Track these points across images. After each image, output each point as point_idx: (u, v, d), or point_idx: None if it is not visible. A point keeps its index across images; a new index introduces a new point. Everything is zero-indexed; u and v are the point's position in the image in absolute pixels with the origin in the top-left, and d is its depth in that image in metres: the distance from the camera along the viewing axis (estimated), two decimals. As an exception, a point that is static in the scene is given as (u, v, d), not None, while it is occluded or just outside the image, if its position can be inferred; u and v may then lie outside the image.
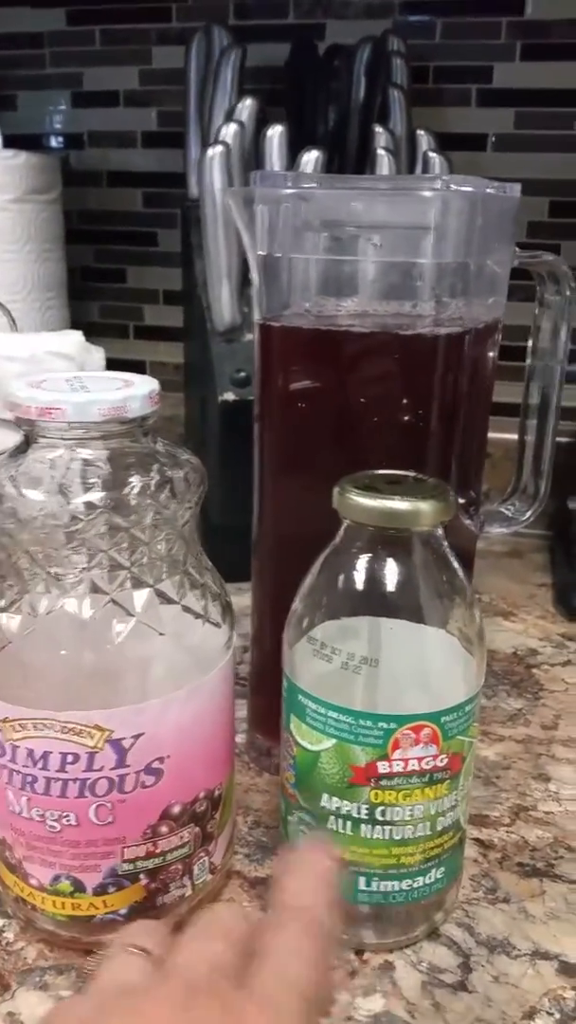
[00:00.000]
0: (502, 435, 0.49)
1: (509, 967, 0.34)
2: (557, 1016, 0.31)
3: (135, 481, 0.30)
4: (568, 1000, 0.32)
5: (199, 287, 0.61)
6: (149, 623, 0.30)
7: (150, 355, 0.85)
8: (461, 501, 0.44)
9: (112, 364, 0.84)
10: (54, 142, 0.82)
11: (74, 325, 0.75)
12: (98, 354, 0.60)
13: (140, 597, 0.30)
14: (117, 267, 0.84)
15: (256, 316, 0.40)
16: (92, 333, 0.84)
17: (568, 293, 0.42)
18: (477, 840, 0.40)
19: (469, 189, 0.35)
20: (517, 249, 0.41)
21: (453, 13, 0.69)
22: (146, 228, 0.82)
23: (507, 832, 0.41)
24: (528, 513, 0.46)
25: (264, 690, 0.45)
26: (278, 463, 0.41)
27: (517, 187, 0.39)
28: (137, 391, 0.30)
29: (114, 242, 0.83)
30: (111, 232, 0.83)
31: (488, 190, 0.37)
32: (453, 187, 0.35)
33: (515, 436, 0.46)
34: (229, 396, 0.58)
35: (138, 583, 0.30)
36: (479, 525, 0.46)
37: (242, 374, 0.57)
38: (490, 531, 0.46)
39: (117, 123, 0.80)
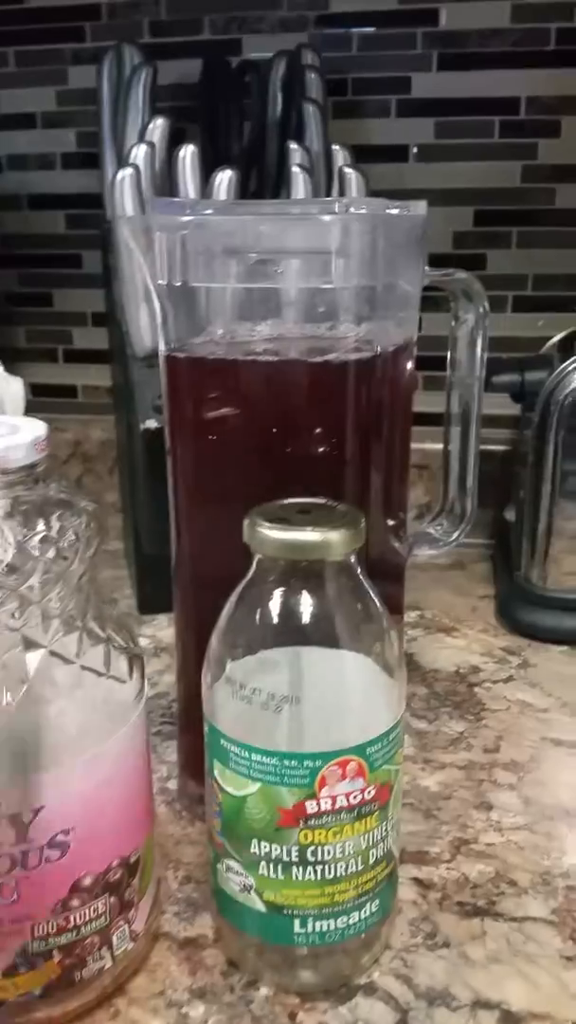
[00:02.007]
0: (439, 446, 0.48)
1: (448, 1020, 0.32)
2: (497, 1070, 0.30)
3: (22, 537, 0.29)
4: (509, 1051, 0.31)
5: (118, 310, 0.59)
6: (44, 687, 0.28)
7: (81, 379, 0.83)
8: (389, 523, 0.43)
9: (42, 390, 0.83)
10: (-29, 167, 0.80)
11: (0, 351, 0.73)
12: (16, 384, 0.58)
13: (33, 659, 0.28)
14: (43, 291, 0.82)
15: (161, 347, 0.39)
16: (19, 359, 0.82)
17: (482, 310, 0.41)
18: (416, 880, 0.39)
19: (366, 211, 0.34)
20: (427, 268, 0.40)
21: (368, 24, 0.68)
22: (70, 250, 0.80)
23: (447, 869, 0.40)
24: (456, 534, 0.45)
25: (192, 728, 0.43)
26: (192, 497, 0.40)
27: (422, 204, 0.38)
28: (21, 438, 0.29)
29: (38, 265, 0.81)
30: (34, 256, 0.81)
31: (390, 211, 0.36)
32: (352, 210, 0.34)
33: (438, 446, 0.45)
34: (152, 423, 0.56)
35: (30, 645, 0.28)
36: (408, 548, 0.44)
37: (164, 401, 0.55)
38: (419, 553, 0.45)
39: (36, 145, 0.78)
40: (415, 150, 0.70)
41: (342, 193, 0.55)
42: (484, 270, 0.71)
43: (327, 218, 0.35)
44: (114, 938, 0.32)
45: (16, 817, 0.28)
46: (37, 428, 0.30)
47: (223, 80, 0.64)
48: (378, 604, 0.32)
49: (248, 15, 0.70)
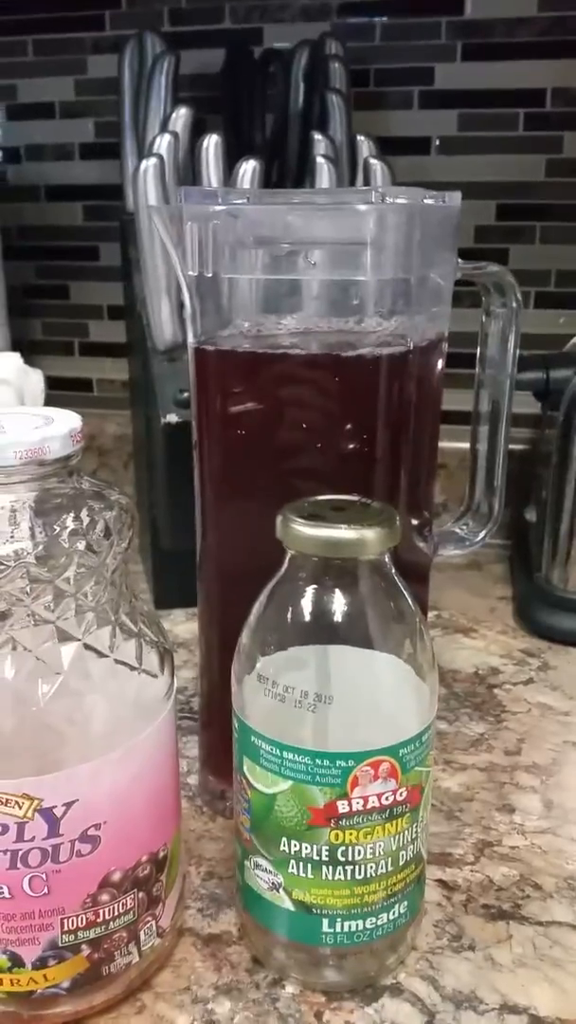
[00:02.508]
0: (457, 444, 0.48)
1: (477, 1023, 0.32)
2: (528, 1076, 0.30)
3: (57, 528, 0.28)
4: (538, 1057, 0.30)
5: (139, 304, 0.58)
6: (78, 680, 0.28)
7: (96, 372, 0.82)
8: (414, 523, 0.42)
9: (58, 383, 0.82)
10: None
11: (15, 344, 0.73)
12: (36, 376, 0.58)
13: (67, 652, 0.28)
14: (59, 283, 0.81)
15: (190, 339, 0.38)
16: (35, 351, 0.82)
17: (514, 304, 0.41)
18: (440, 881, 0.39)
19: (405, 201, 0.34)
20: (460, 261, 0.39)
21: (392, 14, 0.68)
22: (87, 242, 0.79)
23: (471, 871, 0.39)
24: (482, 533, 0.44)
25: (215, 724, 0.43)
26: (219, 491, 0.39)
27: (457, 195, 0.38)
28: (57, 430, 0.28)
29: (55, 257, 0.81)
30: (52, 247, 0.80)
31: (426, 201, 0.35)
32: (389, 200, 0.33)
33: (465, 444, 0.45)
34: (172, 418, 0.56)
35: (65, 637, 0.28)
36: (433, 547, 0.44)
37: (185, 394, 0.55)
38: (444, 553, 0.44)
39: (54, 135, 0.78)
40: (437, 142, 0.69)
41: (367, 185, 0.54)
42: (506, 265, 0.70)
43: (363, 207, 0.34)
44: (142, 934, 0.32)
45: (48, 811, 0.28)
46: (72, 420, 0.29)
47: (246, 70, 0.63)
48: (411, 604, 0.31)
49: (269, 3, 0.69)
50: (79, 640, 0.28)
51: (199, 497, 0.40)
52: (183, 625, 0.60)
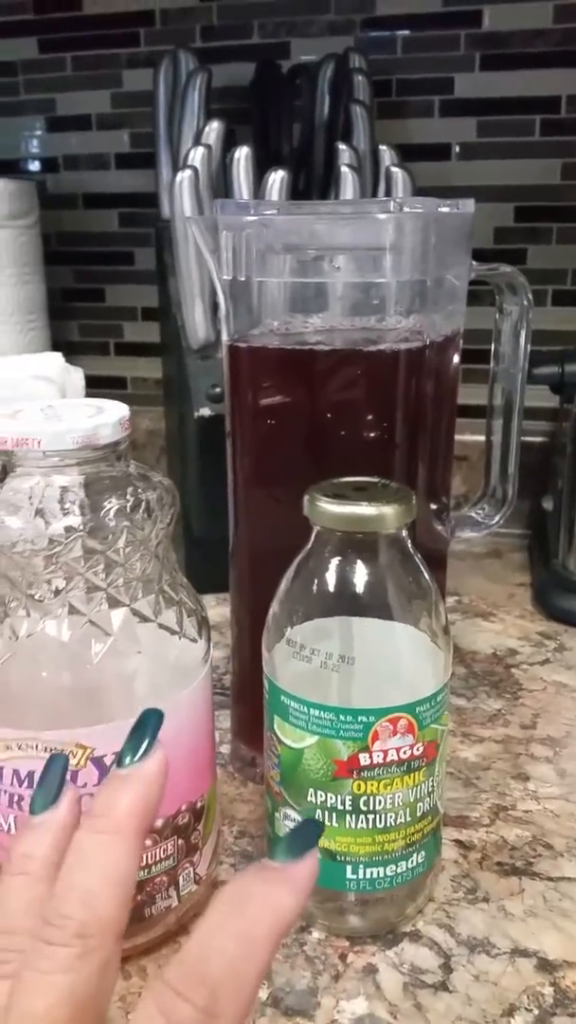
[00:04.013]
0: (478, 437, 0.50)
1: (489, 966, 0.34)
2: (536, 1012, 0.32)
3: (109, 505, 0.31)
4: (546, 996, 0.33)
5: (174, 306, 0.62)
6: (126, 642, 0.31)
7: (130, 371, 0.86)
8: (432, 507, 0.45)
9: (93, 381, 0.86)
10: (30, 167, 0.83)
11: (55, 345, 0.77)
12: (77, 375, 0.61)
13: (117, 617, 0.31)
14: (96, 287, 0.85)
15: (224, 337, 0.41)
16: (73, 352, 0.85)
17: (526, 303, 0.44)
18: (457, 841, 0.41)
19: (421, 210, 0.37)
20: (474, 263, 0.42)
21: (413, 27, 0.71)
22: (122, 248, 0.83)
23: (487, 832, 0.42)
24: (497, 517, 0.47)
25: (246, 700, 0.46)
26: (250, 478, 0.42)
27: (470, 203, 0.40)
28: (108, 418, 0.32)
29: (92, 262, 0.84)
30: (89, 253, 0.84)
31: (441, 209, 0.38)
32: (406, 209, 0.36)
33: (480, 438, 0.48)
34: (205, 412, 0.59)
35: (115, 603, 0.31)
36: (450, 530, 0.47)
37: (217, 390, 0.58)
38: (461, 535, 0.47)
39: (91, 146, 0.81)
40: (457, 149, 0.72)
41: (389, 191, 0.57)
42: (525, 265, 0.73)
43: (382, 216, 0.37)
44: (180, 879, 0.35)
45: (100, 759, 0.31)
46: (121, 409, 0.32)
47: (274, 83, 0.67)
48: (427, 576, 0.34)
49: (297, 19, 0.72)
50: (127, 606, 0.32)
51: (232, 484, 0.43)
52: (214, 609, 0.63)
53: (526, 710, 0.52)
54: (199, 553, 0.64)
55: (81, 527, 0.31)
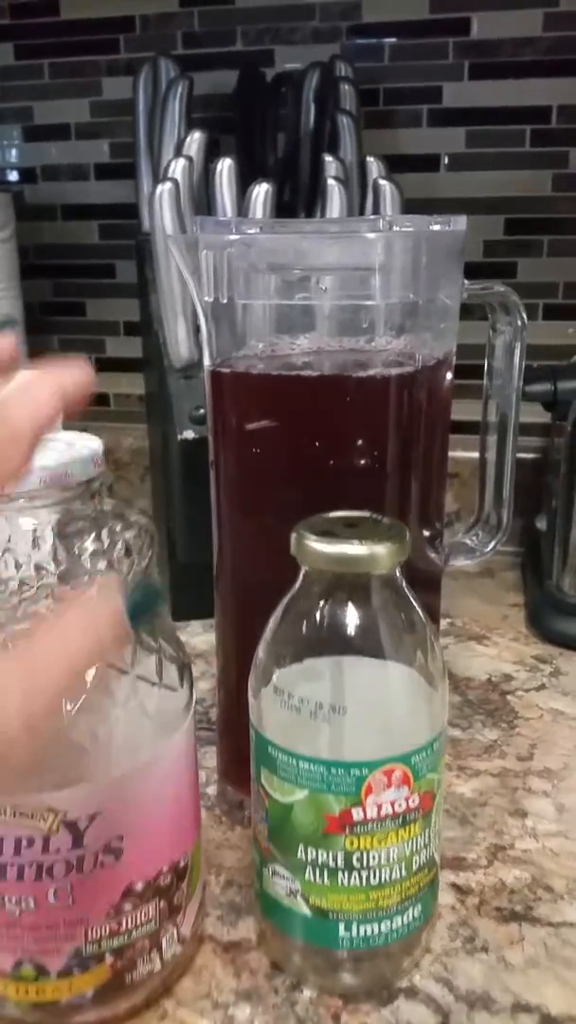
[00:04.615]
0: (470, 453, 0.48)
1: (489, 1023, 0.33)
2: (539, 1074, 0.31)
3: (83, 547, 0.30)
4: (549, 1056, 0.31)
5: (155, 322, 0.60)
6: (100, 696, 0.29)
7: (113, 387, 0.84)
8: (425, 534, 0.43)
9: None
10: (7, 177, 0.81)
11: (34, 359, 0.74)
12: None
13: (90, 670, 0.29)
14: (76, 300, 0.83)
15: (206, 361, 0.40)
16: (53, 367, 0.83)
17: (519, 323, 0.42)
18: (454, 885, 0.40)
19: (411, 229, 0.35)
20: (466, 282, 0.40)
21: (400, 35, 0.69)
22: (103, 260, 0.81)
23: (484, 874, 0.40)
24: (492, 544, 0.45)
25: (232, 734, 0.44)
26: (235, 508, 0.40)
27: (462, 219, 0.39)
28: (79, 454, 0.30)
29: (72, 275, 0.82)
30: (68, 266, 0.82)
31: (433, 227, 0.37)
32: (396, 228, 0.35)
33: (473, 454, 0.46)
34: (188, 434, 0.57)
35: None
36: (444, 558, 0.45)
37: (201, 411, 0.56)
38: (455, 564, 0.45)
39: (69, 156, 0.79)
40: (446, 160, 0.71)
41: (377, 204, 0.55)
42: (515, 278, 0.72)
43: (371, 235, 0.35)
44: (163, 941, 0.33)
45: (73, 823, 0.29)
46: (92, 443, 0.31)
47: (258, 91, 0.65)
48: (422, 616, 0.33)
49: (281, 26, 0.71)
50: None
51: (216, 513, 0.41)
52: (200, 636, 0.61)
53: (523, 740, 0.50)
54: (184, 578, 0.62)
55: (52, 571, 0.29)
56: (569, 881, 0.40)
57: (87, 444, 0.31)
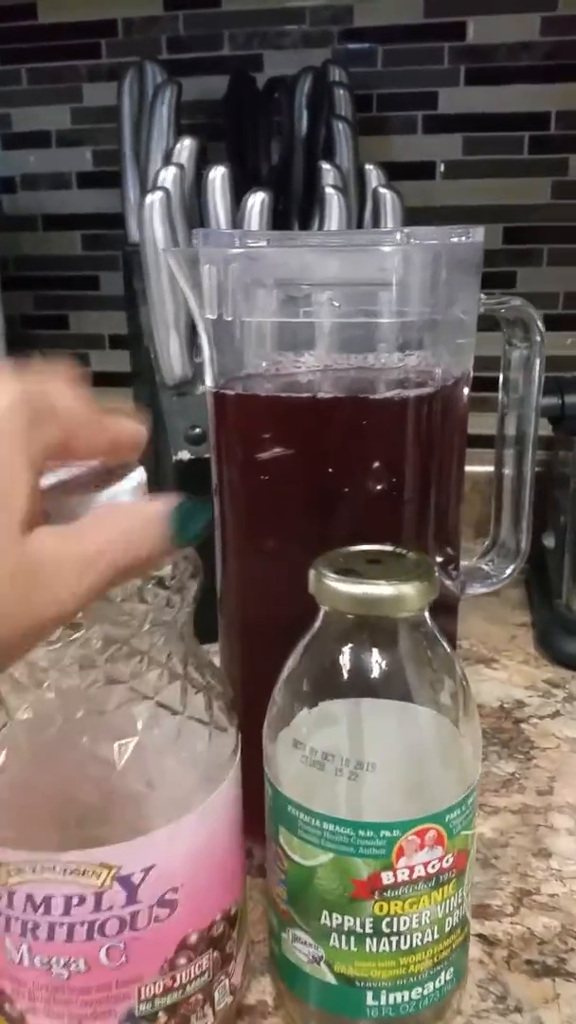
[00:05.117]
0: (477, 468, 0.46)
1: None
2: None
3: (127, 588, 0.27)
4: None
5: (145, 337, 0.57)
6: (152, 740, 0.27)
7: (100, 402, 0.81)
8: (439, 560, 0.41)
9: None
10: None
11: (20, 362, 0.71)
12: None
13: (141, 712, 0.27)
14: (58, 313, 0.80)
15: (208, 383, 0.37)
16: (36, 383, 0.80)
17: (538, 338, 0.40)
18: (481, 936, 0.37)
19: (434, 241, 0.33)
20: (483, 296, 0.38)
21: (394, 40, 0.67)
22: (86, 272, 0.78)
23: (511, 924, 0.38)
24: (509, 570, 0.43)
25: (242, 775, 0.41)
26: (242, 538, 0.38)
27: (480, 231, 0.37)
28: (127, 485, 0.27)
29: (54, 287, 0.79)
30: (50, 277, 0.79)
31: (452, 239, 0.34)
32: (414, 241, 0.32)
33: (483, 468, 0.43)
34: (184, 455, 0.54)
35: (138, 697, 0.27)
36: (460, 586, 0.43)
37: (197, 430, 0.54)
38: (471, 592, 0.43)
39: (50, 164, 0.77)
40: (442, 167, 0.69)
41: (376, 213, 0.53)
42: (514, 288, 0.70)
43: (387, 249, 0.33)
44: (216, 993, 0.31)
45: (127, 878, 0.27)
46: (137, 472, 0.28)
47: (249, 97, 0.63)
48: (452, 659, 0.30)
49: (269, 30, 0.68)
50: (152, 699, 0.27)
51: (220, 544, 0.39)
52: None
53: (541, 772, 0.48)
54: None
55: (95, 613, 0.26)
56: (602, 929, 0.37)
57: (132, 472, 0.28)
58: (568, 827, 0.44)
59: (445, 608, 0.43)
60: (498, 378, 0.42)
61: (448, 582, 0.42)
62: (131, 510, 0.25)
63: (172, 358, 0.55)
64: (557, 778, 0.47)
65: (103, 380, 0.80)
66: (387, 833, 0.28)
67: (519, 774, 0.48)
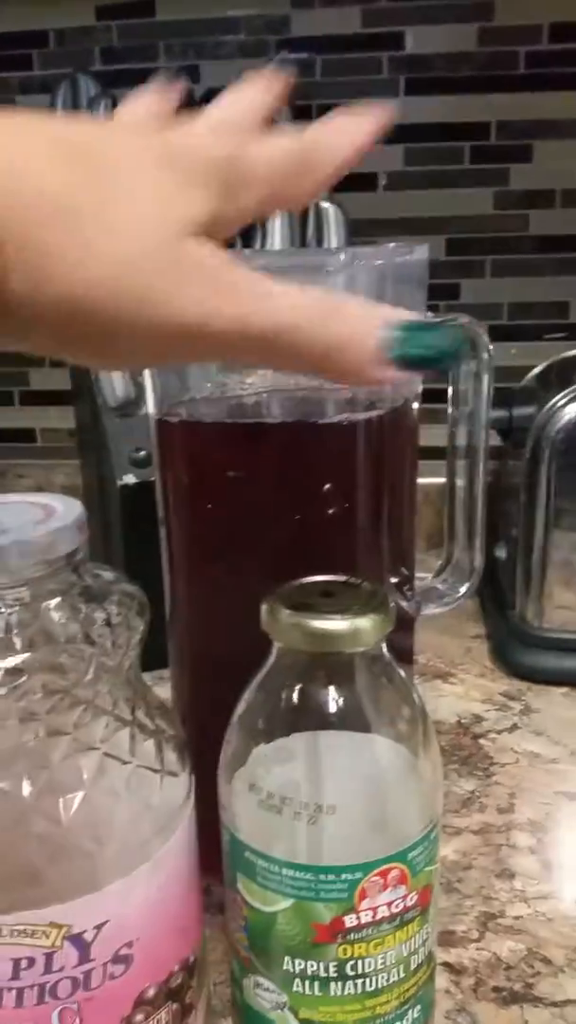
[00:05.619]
0: (422, 480, 0.46)
1: None
2: None
3: (66, 632, 0.26)
4: None
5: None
6: (100, 793, 0.26)
7: (40, 422, 0.79)
8: (394, 581, 0.40)
9: None
10: None
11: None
12: None
13: (88, 764, 0.26)
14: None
15: (150, 409, 0.36)
16: (-26, 403, 0.78)
17: (485, 355, 0.39)
18: (447, 964, 0.37)
19: (379, 262, 0.32)
20: (429, 314, 0.38)
21: (332, 50, 0.67)
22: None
23: (477, 950, 0.37)
24: (464, 589, 0.42)
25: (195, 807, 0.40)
26: (189, 570, 0.37)
27: (424, 248, 0.36)
28: (63, 521, 0.26)
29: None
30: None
31: (397, 259, 0.34)
32: (359, 262, 0.32)
33: (434, 480, 0.43)
34: (129, 479, 0.53)
35: (83, 748, 0.26)
36: (416, 607, 0.42)
37: (142, 453, 0.52)
38: (427, 613, 0.42)
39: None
40: (384, 179, 0.68)
41: (320, 228, 0.53)
42: (459, 300, 0.70)
43: (332, 270, 0.32)
44: None
45: (78, 937, 0.25)
46: (74, 508, 0.26)
47: (186, 109, 0.61)
48: (411, 691, 0.30)
49: (206, 41, 0.67)
50: (99, 749, 0.26)
51: (168, 575, 0.38)
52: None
53: (501, 789, 0.48)
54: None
55: (35, 663, 0.25)
56: (567, 951, 0.37)
57: (68, 508, 0.27)
58: (530, 845, 0.43)
59: (402, 625, 0.42)
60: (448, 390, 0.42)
61: (404, 603, 0.41)
62: (344, 297, 0.23)
63: (114, 378, 0.53)
64: (517, 794, 0.47)
65: (45, 398, 0.78)
66: (349, 876, 0.27)
67: (479, 792, 0.47)
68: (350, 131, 0.25)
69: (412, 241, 0.36)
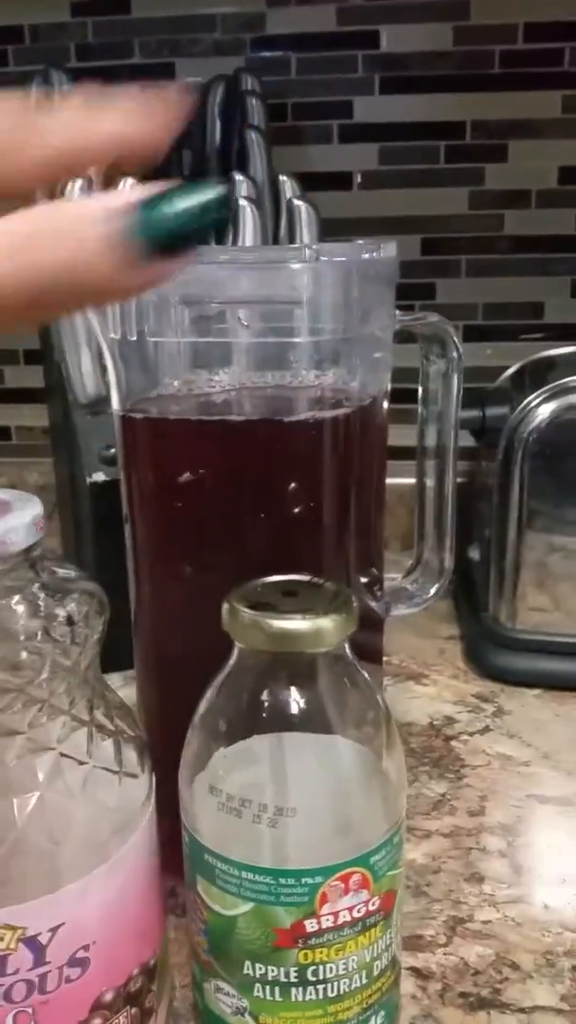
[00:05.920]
0: (394, 480, 0.45)
1: None
2: None
3: (25, 628, 0.25)
4: None
5: (56, 352, 0.55)
6: (56, 794, 0.25)
7: (14, 420, 0.78)
8: (363, 581, 0.40)
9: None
10: None
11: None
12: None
13: (43, 764, 0.25)
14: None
15: (115, 406, 0.35)
16: (-53, 401, 0.77)
17: (455, 354, 0.39)
18: (414, 969, 0.36)
19: (343, 259, 0.32)
20: (398, 312, 0.37)
21: (307, 48, 0.66)
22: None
23: (444, 954, 0.37)
24: (433, 589, 0.42)
25: (159, 807, 0.40)
26: (154, 569, 0.36)
27: (392, 246, 0.36)
28: (19, 518, 0.25)
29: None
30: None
31: (364, 256, 0.33)
32: (323, 258, 0.31)
33: (408, 480, 0.43)
34: (99, 477, 0.52)
35: (38, 748, 0.25)
36: (385, 608, 0.42)
37: (112, 451, 0.51)
38: (396, 613, 0.42)
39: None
40: (359, 178, 0.68)
41: (292, 226, 0.52)
42: (434, 300, 0.69)
43: (296, 266, 0.32)
44: None
45: (33, 939, 0.25)
46: (33, 503, 0.26)
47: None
48: (375, 692, 0.29)
49: (181, 38, 0.67)
50: (54, 749, 0.25)
51: (134, 574, 0.37)
52: (121, 691, 0.56)
53: (472, 792, 0.47)
54: (99, 629, 0.57)
55: None
56: (535, 956, 0.37)
57: (26, 505, 0.26)
58: (500, 848, 0.43)
59: (372, 625, 0.42)
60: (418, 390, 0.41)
61: (373, 603, 0.41)
62: (70, 204, 0.18)
63: (84, 376, 0.52)
64: (488, 797, 0.47)
65: (19, 396, 0.78)
66: (309, 880, 0.27)
67: (450, 795, 0.47)
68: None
69: (387, 241, 0.36)
